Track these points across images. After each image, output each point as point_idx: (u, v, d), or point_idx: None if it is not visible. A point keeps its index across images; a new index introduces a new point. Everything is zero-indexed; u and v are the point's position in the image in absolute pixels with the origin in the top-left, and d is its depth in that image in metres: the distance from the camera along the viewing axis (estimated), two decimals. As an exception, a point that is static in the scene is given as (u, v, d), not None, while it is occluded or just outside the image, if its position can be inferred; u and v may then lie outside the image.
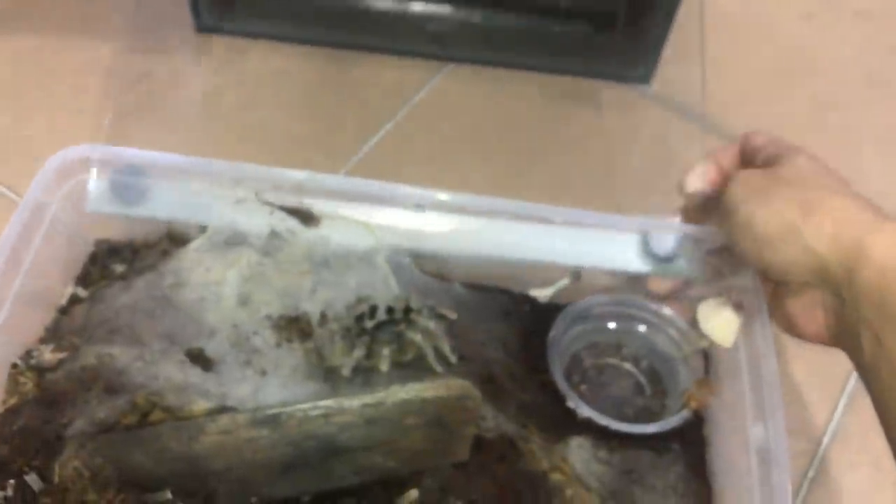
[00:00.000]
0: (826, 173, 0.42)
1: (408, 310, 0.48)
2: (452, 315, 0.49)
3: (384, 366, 0.47)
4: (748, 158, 0.46)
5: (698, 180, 0.46)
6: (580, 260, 0.49)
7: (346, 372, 0.46)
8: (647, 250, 0.49)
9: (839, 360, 0.40)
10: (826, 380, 0.55)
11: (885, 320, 0.36)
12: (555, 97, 0.68)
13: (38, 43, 0.67)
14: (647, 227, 0.49)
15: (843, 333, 0.39)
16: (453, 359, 0.48)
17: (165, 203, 0.50)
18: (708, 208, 0.46)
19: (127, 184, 0.48)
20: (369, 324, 0.47)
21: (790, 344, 0.53)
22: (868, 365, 0.37)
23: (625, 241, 0.49)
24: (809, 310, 0.41)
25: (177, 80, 0.62)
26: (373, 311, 0.48)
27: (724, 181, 0.45)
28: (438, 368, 0.47)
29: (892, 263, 0.36)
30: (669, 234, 0.48)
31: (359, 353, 0.47)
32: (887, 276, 0.36)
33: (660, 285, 0.51)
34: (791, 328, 0.43)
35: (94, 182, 0.47)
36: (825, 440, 0.53)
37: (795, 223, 0.39)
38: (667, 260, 0.49)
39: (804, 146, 0.43)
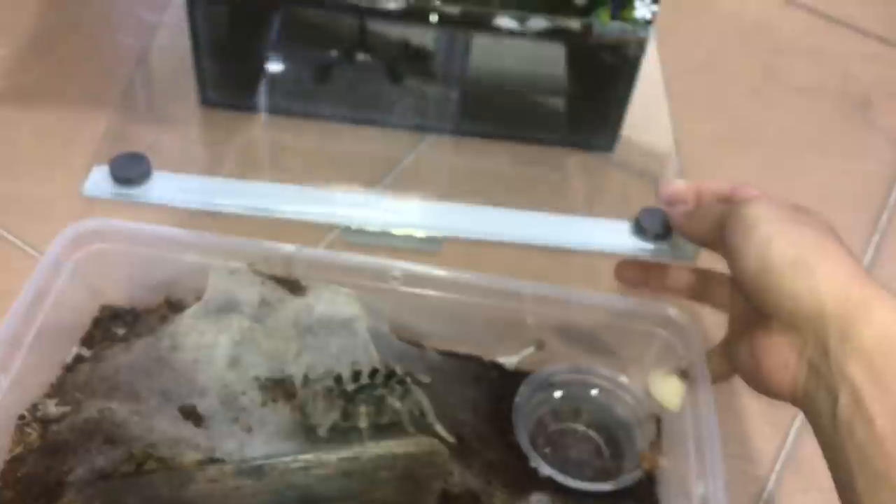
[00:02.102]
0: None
1: (389, 375, 0.52)
2: (427, 380, 0.54)
3: (363, 424, 0.51)
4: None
5: (680, 186, 0.47)
6: (572, 245, 0.50)
7: (321, 432, 0.50)
8: (638, 229, 0.50)
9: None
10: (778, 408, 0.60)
11: (873, 384, 0.35)
12: (525, 163, 0.74)
13: (59, 115, 0.73)
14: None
15: (814, 387, 0.38)
16: (432, 419, 0.51)
17: (164, 272, 0.55)
18: (693, 223, 0.47)
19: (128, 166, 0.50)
20: (351, 386, 0.52)
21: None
22: (839, 423, 0.36)
23: (615, 226, 0.50)
24: (783, 354, 0.40)
25: (181, 150, 0.68)
26: (356, 374, 0.52)
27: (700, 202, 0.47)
28: (412, 430, 0.51)
29: (889, 327, 0.36)
30: (659, 211, 0.49)
31: (334, 414, 0.51)
32: (883, 342, 0.36)
33: (628, 272, 0.51)
34: (755, 373, 0.42)
35: (95, 169, 0.50)
36: (777, 467, 0.57)
37: (810, 260, 0.39)
38: (659, 237, 0.49)
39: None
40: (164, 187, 0.50)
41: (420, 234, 0.50)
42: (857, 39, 0.92)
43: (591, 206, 0.71)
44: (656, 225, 0.50)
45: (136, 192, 0.49)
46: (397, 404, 0.51)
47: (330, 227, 0.64)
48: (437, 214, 0.50)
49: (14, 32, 0.80)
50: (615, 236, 0.50)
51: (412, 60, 0.72)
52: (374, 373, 0.52)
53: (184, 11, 0.67)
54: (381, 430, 0.51)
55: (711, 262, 0.50)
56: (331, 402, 0.51)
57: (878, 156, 0.80)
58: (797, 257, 0.39)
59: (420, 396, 0.52)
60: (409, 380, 0.52)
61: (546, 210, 0.51)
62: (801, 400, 0.40)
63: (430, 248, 0.50)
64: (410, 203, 0.51)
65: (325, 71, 0.73)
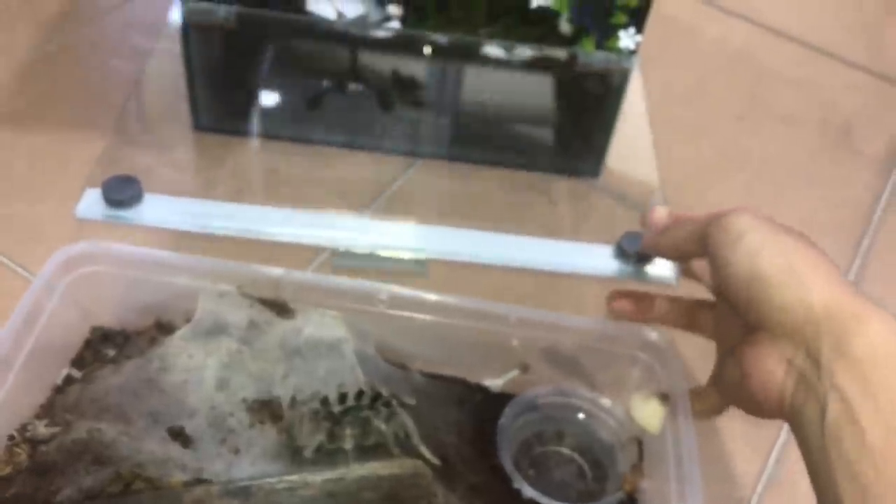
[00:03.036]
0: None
1: (375, 397, 0.53)
2: (412, 402, 0.55)
3: (348, 446, 0.52)
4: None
5: (663, 212, 0.47)
6: (556, 268, 0.51)
7: (307, 454, 0.51)
8: (620, 252, 0.51)
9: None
10: (760, 430, 0.61)
11: (865, 396, 0.35)
12: (512, 189, 0.76)
13: (51, 138, 0.74)
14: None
15: (803, 398, 0.38)
16: (417, 440, 0.52)
17: (154, 294, 0.56)
18: (670, 234, 0.46)
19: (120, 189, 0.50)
20: (337, 408, 0.53)
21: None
22: (828, 434, 0.35)
23: (599, 250, 0.51)
24: (771, 365, 0.39)
25: (173, 173, 0.69)
26: (342, 396, 0.53)
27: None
28: (397, 452, 0.52)
29: (886, 344, 0.36)
30: (642, 235, 0.50)
31: (320, 436, 0.52)
32: (877, 354, 0.35)
33: (619, 305, 0.51)
34: (743, 389, 0.41)
35: (88, 192, 0.51)
36: (758, 489, 0.58)
37: (800, 269, 0.38)
38: (641, 260, 0.50)
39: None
40: (156, 209, 0.51)
41: (407, 256, 0.51)
42: (840, 69, 0.94)
43: (576, 231, 0.73)
44: (638, 248, 0.50)
45: (128, 214, 0.50)
46: (382, 426, 0.51)
47: (319, 250, 0.65)
48: (423, 237, 0.51)
49: (8, 57, 0.82)
50: (598, 260, 0.51)
51: (402, 89, 0.74)
52: (359, 395, 0.53)
53: (177, 38, 0.69)
54: (367, 451, 0.52)
55: (691, 289, 0.51)
56: (317, 423, 0.52)
57: (861, 183, 0.81)
58: (787, 266, 0.39)
59: (405, 418, 0.53)
60: (394, 402, 0.53)
61: (532, 234, 0.52)
62: (788, 412, 0.39)
63: (416, 269, 0.51)
64: (398, 226, 0.52)
65: (316, 99, 0.75)
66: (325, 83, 0.73)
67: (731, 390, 0.43)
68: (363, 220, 0.53)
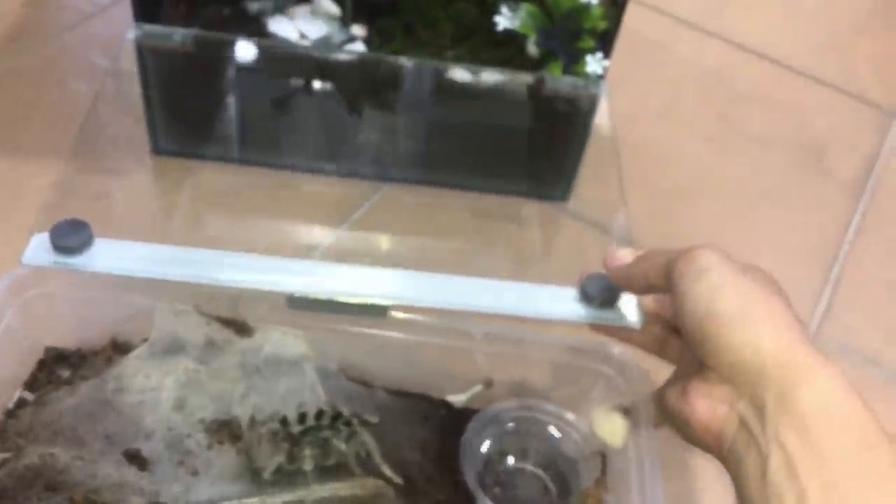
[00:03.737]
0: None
1: (336, 416, 0.53)
2: (374, 420, 0.54)
3: (308, 466, 0.51)
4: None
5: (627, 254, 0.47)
6: (519, 313, 0.50)
7: (266, 475, 0.50)
8: (584, 296, 0.50)
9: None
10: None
11: (808, 453, 0.35)
12: (481, 215, 0.75)
13: (5, 165, 0.72)
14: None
15: (745, 445, 0.38)
16: (378, 459, 0.52)
17: (110, 314, 0.55)
18: (638, 264, 0.46)
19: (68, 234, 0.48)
20: (297, 429, 0.52)
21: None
22: (768, 488, 0.35)
23: (562, 293, 0.51)
24: (715, 404, 0.39)
25: (133, 199, 0.68)
26: (302, 416, 0.52)
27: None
28: (358, 472, 0.51)
29: (832, 399, 0.35)
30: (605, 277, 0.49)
31: (280, 457, 0.51)
32: (823, 410, 0.35)
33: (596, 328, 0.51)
34: (685, 420, 0.41)
35: (36, 237, 0.48)
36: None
37: (755, 314, 0.38)
38: (606, 303, 0.50)
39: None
40: (106, 255, 0.48)
41: (367, 301, 0.50)
42: (812, 88, 0.94)
43: (546, 255, 0.72)
44: (601, 292, 0.50)
45: (77, 261, 0.48)
46: (343, 446, 0.51)
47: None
48: (384, 282, 0.50)
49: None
50: (562, 304, 0.50)
51: (372, 91, 0.72)
52: (320, 414, 0.52)
53: (134, 58, 0.67)
54: (327, 472, 0.51)
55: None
56: (276, 444, 0.51)
57: (832, 206, 0.81)
58: (743, 308, 0.39)
59: (366, 437, 0.52)
60: (355, 421, 0.52)
61: (500, 266, 0.51)
62: (726, 455, 0.39)
63: (375, 314, 0.51)
64: (358, 270, 0.51)
65: (283, 100, 0.73)
66: (293, 83, 0.71)
67: (672, 413, 0.43)
68: (320, 264, 0.52)
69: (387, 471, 0.51)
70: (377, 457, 0.51)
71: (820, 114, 0.91)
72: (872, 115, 0.92)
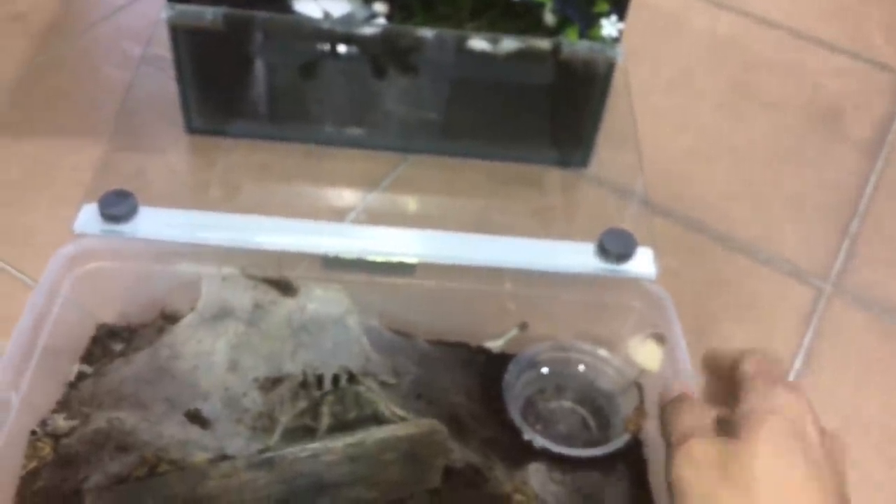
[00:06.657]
0: (789, 466, 0.38)
1: (351, 378, 0.54)
2: (392, 381, 0.56)
3: (353, 416, 0.53)
4: (722, 373, 0.46)
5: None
6: (539, 267, 0.52)
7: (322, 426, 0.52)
8: (601, 250, 0.52)
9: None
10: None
11: None
12: (503, 181, 0.77)
13: (44, 146, 0.75)
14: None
15: None
16: (402, 413, 0.53)
17: (157, 285, 0.57)
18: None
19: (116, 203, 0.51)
20: (316, 393, 0.53)
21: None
22: None
23: (580, 248, 0.53)
24: None
25: (171, 174, 0.70)
26: (319, 380, 0.54)
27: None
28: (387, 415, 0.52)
29: None
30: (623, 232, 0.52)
31: (336, 406, 0.53)
32: None
33: None
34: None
35: (85, 207, 0.52)
36: None
37: None
38: (622, 257, 0.52)
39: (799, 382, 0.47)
40: (151, 223, 0.52)
41: (395, 259, 0.53)
42: (826, 55, 0.95)
43: (566, 221, 0.75)
44: (619, 246, 0.52)
45: (124, 228, 0.51)
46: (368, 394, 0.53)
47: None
48: (411, 241, 0.53)
49: (0, 72, 0.82)
50: (579, 258, 0.53)
51: (396, 54, 0.74)
52: (336, 377, 0.54)
53: (167, 42, 0.70)
54: (371, 420, 0.53)
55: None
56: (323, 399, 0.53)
57: (849, 165, 0.83)
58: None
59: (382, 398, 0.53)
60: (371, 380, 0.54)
61: (522, 229, 0.54)
62: None
63: (404, 271, 0.54)
64: (386, 231, 0.54)
65: (309, 66, 0.74)
66: (319, 48, 0.73)
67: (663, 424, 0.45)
68: (352, 227, 0.56)
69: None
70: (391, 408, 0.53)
71: (834, 79, 0.92)
72: (886, 79, 0.94)
